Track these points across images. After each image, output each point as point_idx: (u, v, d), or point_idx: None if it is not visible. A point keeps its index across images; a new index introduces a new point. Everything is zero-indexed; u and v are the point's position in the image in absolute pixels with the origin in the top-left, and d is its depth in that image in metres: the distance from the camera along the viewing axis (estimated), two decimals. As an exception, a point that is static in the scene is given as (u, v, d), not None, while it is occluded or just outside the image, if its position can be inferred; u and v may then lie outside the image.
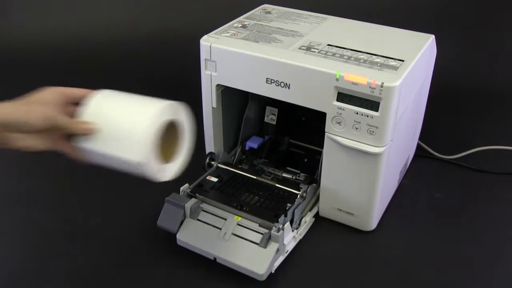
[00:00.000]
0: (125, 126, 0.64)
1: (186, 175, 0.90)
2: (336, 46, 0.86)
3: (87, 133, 0.64)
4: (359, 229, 0.90)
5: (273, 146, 1.02)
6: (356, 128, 0.79)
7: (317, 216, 0.92)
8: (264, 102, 1.02)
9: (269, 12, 1.02)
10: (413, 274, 0.82)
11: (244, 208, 0.83)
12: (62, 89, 0.67)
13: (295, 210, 0.84)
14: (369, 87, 0.75)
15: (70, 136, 0.66)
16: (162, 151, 0.67)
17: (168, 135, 0.68)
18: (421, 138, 1.10)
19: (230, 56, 0.85)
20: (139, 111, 0.66)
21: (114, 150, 0.64)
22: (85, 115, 0.66)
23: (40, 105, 0.63)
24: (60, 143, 0.67)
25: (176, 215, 0.82)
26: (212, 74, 0.89)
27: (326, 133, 0.82)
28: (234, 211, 0.83)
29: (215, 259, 0.79)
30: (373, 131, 0.78)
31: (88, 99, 0.67)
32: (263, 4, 1.07)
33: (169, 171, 0.70)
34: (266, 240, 0.77)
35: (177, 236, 0.82)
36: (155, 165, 0.65)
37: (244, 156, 1.00)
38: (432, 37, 0.91)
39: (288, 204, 0.85)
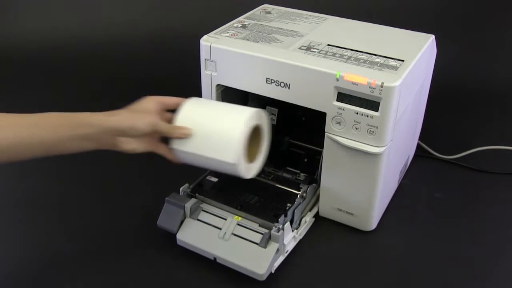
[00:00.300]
0: (219, 131, 0.74)
1: (186, 175, 0.91)
2: (336, 46, 0.86)
3: (184, 137, 0.75)
4: (359, 229, 0.90)
5: (273, 146, 1.02)
6: (356, 128, 0.79)
7: (317, 216, 0.92)
8: (264, 102, 1.02)
9: (269, 12, 1.02)
10: (413, 274, 0.82)
11: (244, 208, 0.83)
12: (159, 98, 0.78)
13: (295, 210, 0.84)
14: (369, 87, 0.75)
15: (166, 139, 0.77)
16: (247, 152, 0.77)
17: (252, 138, 0.78)
18: (421, 138, 1.10)
19: (230, 56, 0.85)
20: (231, 117, 0.75)
21: (209, 152, 0.74)
22: (181, 121, 0.76)
23: (144, 113, 0.74)
24: (157, 146, 0.78)
25: (176, 215, 0.82)
26: (212, 74, 0.89)
27: (326, 133, 0.82)
28: (234, 211, 0.83)
29: (215, 259, 0.79)
30: (373, 131, 0.78)
31: (181, 106, 0.77)
32: (263, 4, 1.07)
33: (253, 169, 0.80)
34: (266, 240, 0.77)
35: (177, 236, 0.82)
36: (244, 165, 0.76)
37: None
38: (432, 37, 0.91)
39: (288, 204, 0.85)
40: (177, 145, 0.76)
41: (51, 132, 0.66)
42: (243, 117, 0.74)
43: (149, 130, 0.73)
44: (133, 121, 0.71)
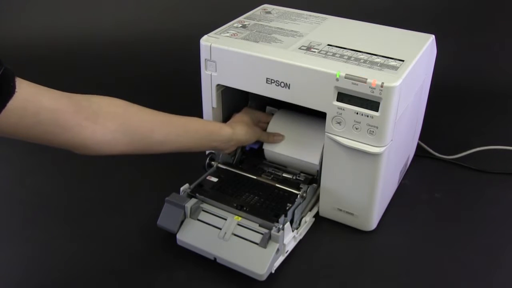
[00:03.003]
0: (304, 138, 0.92)
1: (186, 175, 0.91)
2: (336, 46, 0.86)
3: (278, 142, 0.94)
4: (359, 229, 0.90)
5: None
6: (356, 128, 0.79)
7: (317, 216, 0.92)
8: (264, 102, 1.02)
9: (269, 12, 1.02)
10: (413, 274, 0.82)
11: (244, 208, 0.83)
12: (256, 112, 0.97)
13: (295, 210, 0.84)
14: (369, 87, 0.75)
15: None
16: None
17: None
18: (421, 138, 1.10)
19: (230, 56, 0.85)
20: (312, 128, 0.92)
21: (295, 154, 0.92)
22: (274, 129, 0.95)
23: (251, 126, 0.91)
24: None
25: (176, 215, 0.82)
26: (212, 74, 0.89)
27: (326, 133, 0.82)
28: (234, 211, 0.83)
29: (215, 259, 0.79)
30: (373, 131, 0.78)
31: (272, 118, 0.96)
32: (263, 4, 1.07)
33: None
34: (266, 240, 0.77)
35: (177, 236, 0.82)
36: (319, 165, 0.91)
37: (244, 157, 1.00)
38: (432, 37, 0.91)
39: (288, 204, 0.85)
40: (269, 147, 0.94)
41: (193, 134, 0.82)
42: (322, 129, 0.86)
43: (255, 140, 0.92)
44: (249, 136, 0.90)
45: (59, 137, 0.64)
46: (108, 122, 0.68)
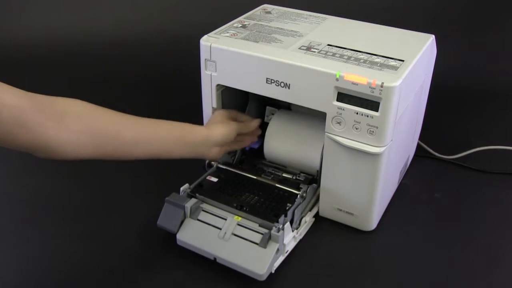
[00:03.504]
0: (306, 135, 0.91)
1: (186, 175, 0.91)
2: (336, 46, 0.86)
3: (255, 126, 0.92)
4: (359, 229, 0.90)
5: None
6: (356, 128, 0.79)
7: (317, 216, 0.92)
8: (264, 102, 1.02)
9: (269, 12, 1.02)
10: (413, 274, 0.82)
11: (244, 208, 0.83)
12: (230, 111, 0.91)
13: (295, 210, 0.84)
14: (369, 87, 0.75)
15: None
16: None
17: None
18: (421, 138, 1.10)
19: (230, 56, 0.85)
20: (311, 125, 0.92)
21: (295, 151, 0.92)
22: (273, 128, 0.94)
23: (225, 122, 0.87)
24: (230, 145, 0.89)
25: (176, 215, 0.82)
26: (212, 74, 0.89)
27: (326, 133, 0.82)
28: (234, 211, 0.83)
29: (215, 259, 0.79)
30: (373, 131, 0.78)
31: (272, 118, 0.96)
32: (263, 4, 1.07)
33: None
34: (266, 240, 0.77)
35: (177, 236, 0.82)
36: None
37: (244, 157, 1.00)
38: (432, 37, 0.91)
39: (288, 204, 0.85)
40: (268, 139, 0.94)
41: (165, 136, 0.77)
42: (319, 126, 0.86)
43: (235, 134, 0.87)
44: (227, 132, 0.85)
45: (20, 137, 0.60)
46: (72, 123, 0.65)
